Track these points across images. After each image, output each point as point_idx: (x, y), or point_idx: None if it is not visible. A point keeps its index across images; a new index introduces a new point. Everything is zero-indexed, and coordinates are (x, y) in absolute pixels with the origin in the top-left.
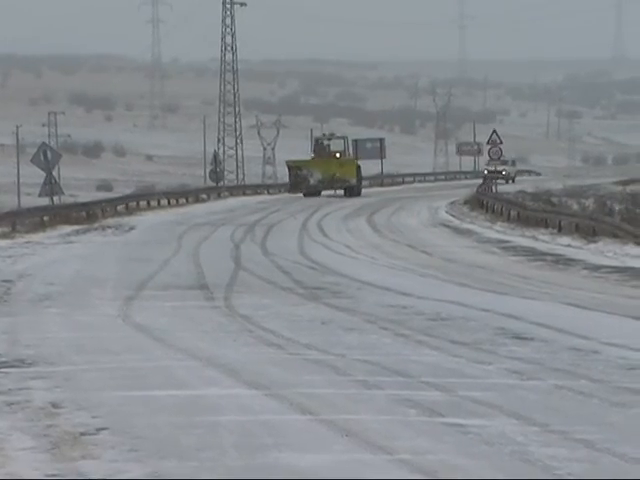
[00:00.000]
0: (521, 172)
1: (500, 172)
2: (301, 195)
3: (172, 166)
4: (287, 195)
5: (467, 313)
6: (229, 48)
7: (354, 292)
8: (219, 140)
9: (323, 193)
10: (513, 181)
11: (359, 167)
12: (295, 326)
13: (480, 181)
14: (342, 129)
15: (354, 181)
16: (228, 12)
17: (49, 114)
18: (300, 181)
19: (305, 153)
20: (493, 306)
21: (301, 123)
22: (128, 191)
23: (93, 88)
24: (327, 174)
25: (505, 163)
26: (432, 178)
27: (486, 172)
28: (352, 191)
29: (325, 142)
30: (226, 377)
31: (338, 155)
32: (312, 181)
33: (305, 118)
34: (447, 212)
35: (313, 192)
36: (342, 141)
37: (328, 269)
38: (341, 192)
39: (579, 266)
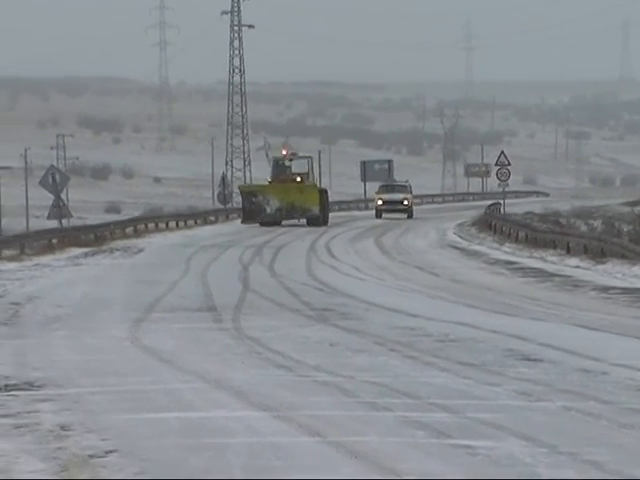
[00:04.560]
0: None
1: (400, 202)
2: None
3: (180, 188)
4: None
5: (476, 334)
6: (237, 70)
7: (362, 314)
8: (227, 162)
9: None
10: (410, 215)
11: (324, 192)
12: (303, 348)
13: (489, 202)
14: (350, 151)
15: (317, 210)
16: (236, 34)
17: (57, 137)
18: (255, 210)
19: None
20: (502, 327)
21: (309, 145)
22: (136, 213)
23: (101, 111)
24: (285, 201)
25: (401, 189)
26: (440, 199)
27: (380, 202)
28: (315, 221)
29: (285, 163)
30: (234, 399)
31: (299, 179)
32: (268, 209)
33: (313, 140)
34: (455, 233)
35: (270, 222)
36: (306, 162)
37: (336, 291)
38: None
39: (587, 287)
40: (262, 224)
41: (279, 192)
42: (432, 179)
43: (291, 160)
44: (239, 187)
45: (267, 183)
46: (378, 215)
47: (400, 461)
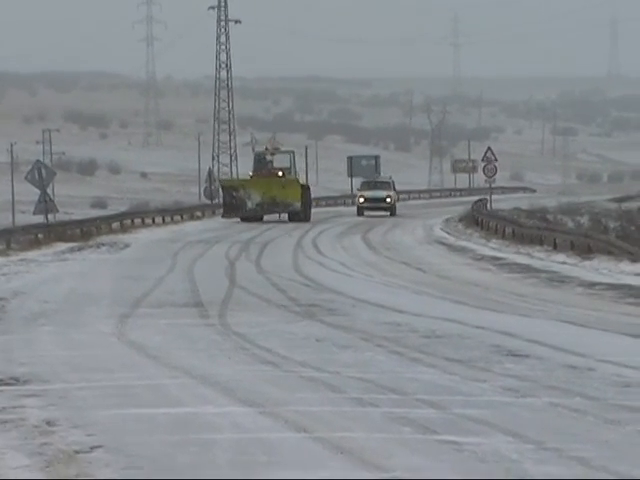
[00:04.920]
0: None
1: (383, 199)
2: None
3: (166, 183)
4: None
5: (462, 330)
6: (223, 65)
7: (349, 309)
8: (214, 158)
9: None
10: (393, 213)
11: (306, 188)
12: (290, 344)
13: (476, 198)
14: (337, 146)
15: (298, 205)
16: (223, 29)
17: (43, 132)
18: (236, 204)
19: (300, 171)
20: (488, 323)
21: (296, 140)
22: (123, 209)
23: (88, 106)
24: (267, 196)
25: (384, 186)
26: (427, 195)
27: (362, 200)
28: (297, 216)
29: (267, 157)
30: (221, 395)
31: (281, 174)
32: (250, 204)
33: (300, 135)
34: (442, 229)
35: (251, 217)
36: (288, 156)
37: (323, 286)
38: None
39: (574, 283)
40: (243, 219)
41: (261, 186)
42: (419, 175)
43: (273, 154)
44: (220, 181)
45: (249, 177)
46: (360, 213)
47: (386, 457)
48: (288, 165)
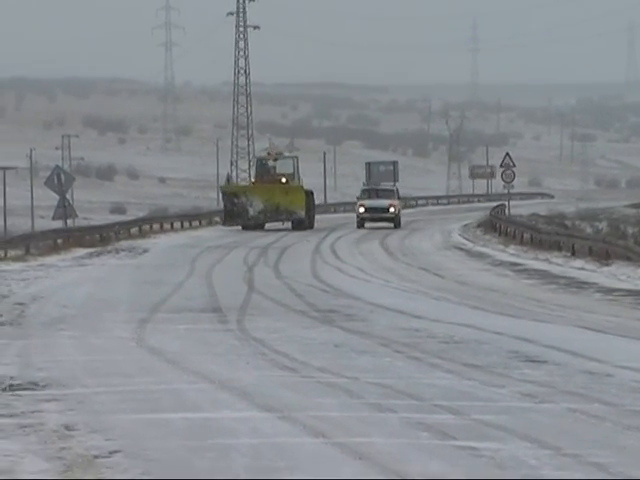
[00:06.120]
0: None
1: (386, 209)
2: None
3: (185, 189)
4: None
5: (480, 336)
6: (242, 71)
7: (367, 315)
8: (232, 163)
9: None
10: (398, 225)
11: (310, 194)
12: (308, 349)
13: (494, 204)
14: (355, 152)
15: (302, 213)
16: (241, 35)
17: (63, 137)
18: (237, 211)
19: (319, 176)
20: (506, 329)
21: (314, 146)
22: (141, 214)
23: (106, 111)
24: (269, 203)
25: (387, 194)
26: (445, 201)
27: (362, 210)
28: (300, 224)
29: (269, 163)
30: (239, 400)
31: (284, 180)
32: (252, 212)
33: (318, 141)
34: (460, 235)
35: (253, 225)
36: (291, 162)
37: (341, 292)
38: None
39: (592, 289)
40: (244, 227)
41: (263, 193)
42: (437, 181)
43: (276, 160)
44: (221, 187)
45: (250, 184)
46: (360, 225)
47: (404, 462)
48: (291, 171)
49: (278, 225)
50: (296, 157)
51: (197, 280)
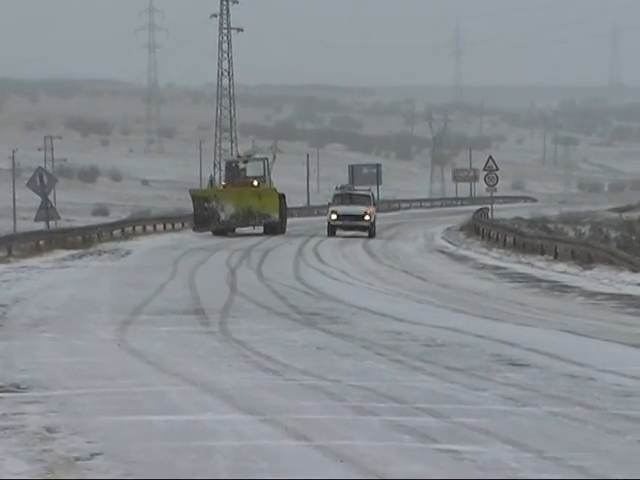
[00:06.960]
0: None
1: (360, 217)
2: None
3: (168, 191)
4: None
5: (462, 339)
6: (225, 73)
7: (349, 318)
8: (215, 165)
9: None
10: (372, 234)
11: (283, 197)
12: (290, 351)
13: (477, 207)
14: (338, 154)
15: (276, 216)
16: (225, 37)
17: (45, 138)
18: (208, 216)
19: (302, 179)
20: (489, 332)
21: (297, 148)
22: (124, 216)
23: (89, 113)
24: (241, 207)
25: (362, 200)
26: (428, 204)
27: (334, 216)
28: (274, 229)
29: (240, 165)
30: (221, 402)
31: (256, 183)
32: (223, 216)
33: (301, 143)
34: (443, 238)
35: (224, 230)
36: (261, 164)
37: (324, 294)
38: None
39: (575, 293)
40: (215, 232)
41: (234, 197)
42: (420, 183)
43: (246, 162)
44: (189, 191)
45: (221, 187)
46: (331, 232)
47: (386, 465)
48: (262, 173)
49: (258, 229)
50: (266, 159)
51: (179, 282)
